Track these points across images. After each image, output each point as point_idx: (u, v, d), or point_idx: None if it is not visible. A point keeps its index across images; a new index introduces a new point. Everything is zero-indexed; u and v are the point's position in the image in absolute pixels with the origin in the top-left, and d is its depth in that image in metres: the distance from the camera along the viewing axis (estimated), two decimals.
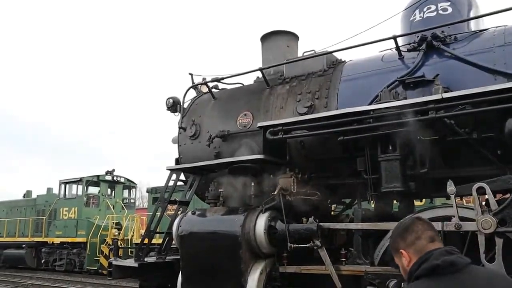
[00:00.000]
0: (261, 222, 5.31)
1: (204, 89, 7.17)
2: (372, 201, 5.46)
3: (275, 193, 5.39)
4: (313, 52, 6.06)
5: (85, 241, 18.93)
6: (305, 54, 6.17)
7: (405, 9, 5.74)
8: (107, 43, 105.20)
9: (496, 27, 5.10)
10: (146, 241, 6.70)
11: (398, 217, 5.04)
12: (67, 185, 20.81)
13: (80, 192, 20.43)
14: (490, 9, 5.10)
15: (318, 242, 5.02)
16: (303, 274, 5.25)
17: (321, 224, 5.08)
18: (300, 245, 5.09)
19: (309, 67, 5.97)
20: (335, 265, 5.00)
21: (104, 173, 21.29)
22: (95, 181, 20.92)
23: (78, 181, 20.48)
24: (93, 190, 21.19)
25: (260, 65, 6.70)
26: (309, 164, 5.68)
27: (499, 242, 4.22)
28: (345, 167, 5.41)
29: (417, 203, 7.56)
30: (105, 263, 17.91)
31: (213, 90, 7.01)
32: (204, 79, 7.18)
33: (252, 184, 5.67)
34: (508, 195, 4.32)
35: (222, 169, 6.13)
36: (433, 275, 1.91)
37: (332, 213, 6.84)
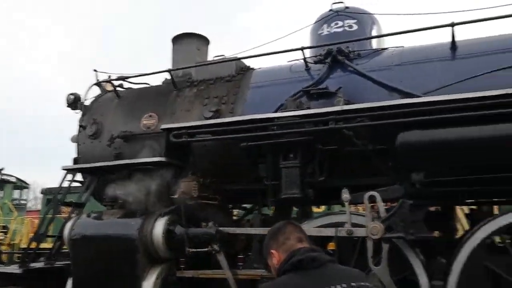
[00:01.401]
0: (160, 226, 5.23)
1: (109, 87, 6.89)
2: (272, 207, 5.59)
3: (176, 196, 5.32)
4: (223, 57, 6.10)
5: None
6: (215, 58, 6.20)
7: (315, 23, 5.98)
8: None
9: (395, 47, 5.50)
10: (33, 245, 6.25)
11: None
12: None
13: None
14: (391, 30, 5.54)
15: (216, 247, 5.03)
16: (201, 279, 5.21)
17: (220, 228, 5.10)
18: (198, 250, 5.07)
19: (218, 72, 5.99)
20: (232, 270, 5.04)
21: None
22: None
23: None
24: None
25: (169, 67, 6.59)
26: (212, 169, 5.67)
27: (385, 247, 4.51)
28: (248, 173, 5.47)
29: (316, 209, 7.89)
30: None
31: (118, 89, 6.75)
32: (109, 77, 6.90)
33: (153, 187, 5.54)
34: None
35: (122, 170, 5.92)
36: (298, 269, 2.07)
37: (234, 218, 6.89)
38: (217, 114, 5.58)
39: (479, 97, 4.25)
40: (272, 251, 2.26)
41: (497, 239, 5.55)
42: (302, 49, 5.42)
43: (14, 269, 5.94)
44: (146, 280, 5.14)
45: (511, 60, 4.61)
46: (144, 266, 5.20)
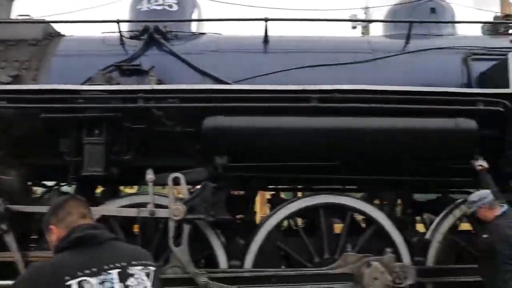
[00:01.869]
0: None
1: None
2: (73, 185, 5.27)
3: None
4: (28, 17, 5.49)
5: None
6: (19, 18, 5.54)
7: None
8: None
9: (213, 33, 5.60)
10: None
11: (100, 201, 5.02)
12: None
13: None
14: (211, 16, 5.61)
15: (4, 226, 4.57)
16: None
17: (9, 206, 4.64)
18: None
19: (21, 33, 5.35)
20: (23, 252, 4.65)
21: None
22: None
23: None
24: None
25: None
26: (5, 140, 5.09)
27: (186, 228, 4.62)
28: (48, 147, 5.04)
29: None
30: None
31: None
32: None
33: None
34: None
35: None
36: (76, 247, 1.97)
37: (34, 195, 6.32)
38: (16, 80, 5.01)
39: (280, 90, 4.59)
40: (51, 226, 2.09)
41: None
42: (118, 21, 5.18)
43: None
44: None
45: (315, 60, 5.08)
46: None
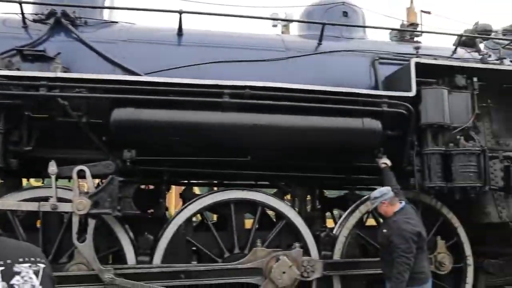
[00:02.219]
0: None
1: None
2: None
3: None
4: None
5: None
6: None
7: None
8: None
9: (125, 22, 5.40)
10: None
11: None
12: None
13: None
14: (126, 4, 5.41)
15: None
16: None
17: None
18: None
19: None
20: None
21: None
22: None
23: None
24: None
25: None
26: None
27: (91, 222, 4.44)
28: None
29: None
30: None
31: None
32: None
33: None
34: None
35: None
36: None
37: None
38: None
39: (192, 84, 4.54)
40: None
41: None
42: (20, 2, 4.83)
43: None
44: None
45: (228, 55, 5.08)
46: None
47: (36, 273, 1.92)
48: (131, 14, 5.18)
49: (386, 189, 4.68)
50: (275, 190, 5.58)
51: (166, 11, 5.08)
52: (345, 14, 5.99)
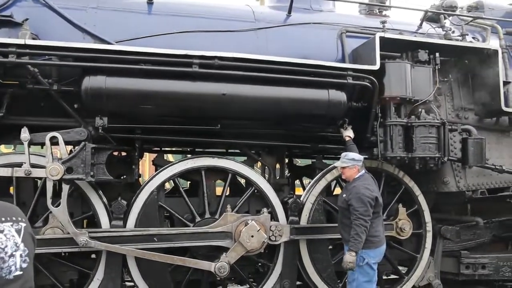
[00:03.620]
0: None
1: None
2: None
3: None
4: None
5: None
6: None
7: None
8: None
9: None
10: None
11: None
12: None
13: None
14: None
15: None
16: None
17: None
18: None
19: None
20: None
21: None
22: None
23: None
24: None
25: None
26: None
27: (65, 188, 4.57)
28: None
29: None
30: None
31: None
32: None
33: None
34: None
35: None
36: None
37: None
38: None
39: (162, 53, 4.60)
40: None
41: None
42: None
43: None
44: None
45: (199, 26, 5.14)
46: None
47: (18, 231, 2.05)
48: None
49: (360, 156, 4.93)
50: (245, 158, 5.76)
51: None
52: None
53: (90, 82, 4.44)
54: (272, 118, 5.17)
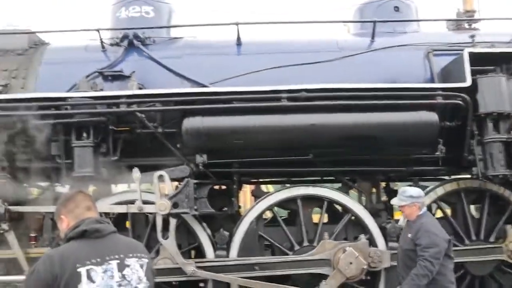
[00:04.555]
0: None
1: None
2: (66, 185, 5.55)
3: None
4: (15, 28, 5.76)
5: None
6: (6, 28, 5.81)
7: (114, 5, 6.02)
8: None
9: (189, 37, 5.87)
10: None
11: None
12: None
13: None
14: (188, 21, 5.89)
15: (5, 226, 4.88)
16: None
17: (9, 207, 4.94)
18: None
19: (8, 43, 5.64)
20: (24, 249, 4.96)
21: None
22: None
23: None
24: None
25: None
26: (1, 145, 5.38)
27: (172, 221, 4.94)
28: (40, 150, 5.29)
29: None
30: None
31: None
32: None
33: None
34: None
35: None
36: (82, 238, 2.26)
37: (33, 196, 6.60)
38: (6, 88, 5.30)
39: (252, 91, 4.90)
40: (62, 216, 2.40)
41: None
42: (98, 30, 5.47)
43: None
44: None
45: (285, 61, 5.36)
46: None
47: (141, 266, 2.31)
48: (192, 29, 5.52)
49: (421, 192, 4.52)
50: (340, 185, 5.81)
51: (224, 24, 5.49)
52: (396, 9, 6.04)
53: (189, 123, 4.85)
54: (362, 145, 5.19)
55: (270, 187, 8.16)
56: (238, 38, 5.55)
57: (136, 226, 5.38)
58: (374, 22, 5.58)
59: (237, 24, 5.45)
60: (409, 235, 4.30)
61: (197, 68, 5.37)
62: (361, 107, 4.94)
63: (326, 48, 5.56)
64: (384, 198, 6.39)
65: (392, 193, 6.78)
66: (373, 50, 5.55)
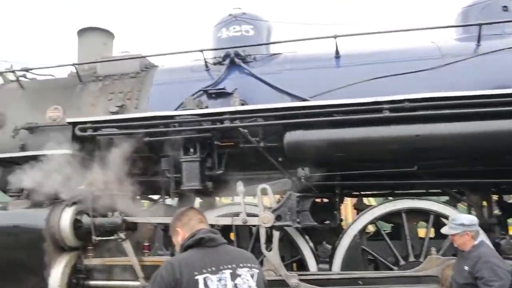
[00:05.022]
0: (67, 216, 5.34)
1: (11, 77, 6.79)
2: (175, 198, 5.91)
3: (83, 187, 5.45)
4: (128, 53, 6.29)
5: None
6: (120, 54, 6.37)
7: (215, 26, 6.35)
8: None
9: (288, 52, 6.00)
10: None
11: None
12: None
13: None
14: (286, 37, 6.03)
15: (122, 235, 5.26)
16: (109, 265, 5.43)
17: (125, 218, 5.33)
18: (105, 238, 5.29)
19: (123, 68, 6.18)
20: (138, 257, 5.30)
21: None
22: None
23: None
24: None
25: (75, 60, 6.64)
26: (117, 161, 5.84)
27: (275, 234, 5.01)
28: (152, 165, 5.73)
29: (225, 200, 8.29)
30: None
31: (21, 79, 6.68)
32: (11, 66, 6.79)
33: (58, 178, 5.61)
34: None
35: (27, 161, 5.93)
36: (198, 246, 2.43)
37: (144, 208, 7.09)
38: (122, 109, 5.79)
39: (353, 103, 4.87)
40: (178, 229, 2.63)
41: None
42: (202, 51, 5.79)
43: None
44: (54, 268, 5.24)
45: (385, 71, 5.28)
46: (52, 255, 5.27)
47: (252, 276, 2.42)
48: (291, 44, 5.65)
49: (475, 219, 4.13)
50: (447, 197, 5.55)
51: (322, 38, 5.53)
52: (505, 8, 5.67)
53: (291, 136, 4.94)
54: (473, 155, 4.92)
55: (372, 200, 8.02)
56: (337, 51, 5.57)
57: (240, 238, 5.56)
58: (480, 24, 5.28)
59: (335, 37, 5.47)
60: (466, 268, 3.95)
61: (297, 82, 5.47)
62: (469, 116, 4.68)
63: (427, 55, 5.37)
64: (496, 211, 6.00)
65: (507, 207, 6.38)
66: (480, 55, 5.24)
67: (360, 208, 5.54)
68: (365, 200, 6.20)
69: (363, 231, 5.33)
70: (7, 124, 6.32)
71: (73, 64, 6.29)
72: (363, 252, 5.30)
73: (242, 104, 5.28)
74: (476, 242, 4.01)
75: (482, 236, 4.28)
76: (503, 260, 4.00)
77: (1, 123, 6.34)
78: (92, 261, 5.44)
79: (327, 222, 5.67)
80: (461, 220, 4.06)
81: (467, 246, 4.03)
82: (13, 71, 6.71)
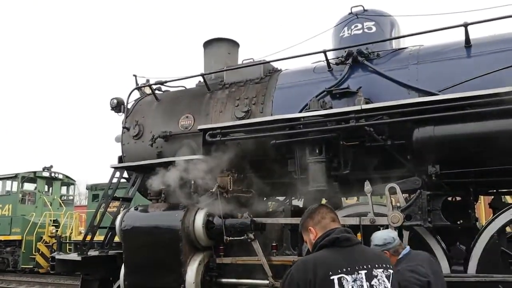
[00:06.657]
0: (200, 217, 5.67)
1: (148, 90, 7.47)
2: (301, 199, 6.02)
3: (213, 190, 5.79)
4: (251, 60, 6.56)
5: (20, 239, 18.32)
6: (244, 62, 6.66)
7: (335, 26, 6.36)
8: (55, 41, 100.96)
9: (413, 46, 5.80)
10: (89, 236, 6.91)
11: None
12: (1, 181, 20.06)
13: (15, 189, 19.69)
14: (409, 30, 5.84)
15: (251, 235, 5.48)
16: (239, 264, 5.67)
17: (254, 219, 5.54)
18: (235, 238, 5.54)
19: (247, 74, 6.46)
20: (267, 256, 5.46)
21: (41, 169, 20.61)
22: (32, 177, 20.15)
23: (13, 177, 19.75)
24: (29, 186, 20.46)
25: (202, 70, 7.10)
26: (245, 164, 6.13)
27: (405, 234, 4.88)
28: (278, 167, 5.90)
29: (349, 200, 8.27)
30: (42, 261, 17.56)
31: (156, 92, 7.31)
32: (147, 81, 7.48)
33: (192, 182, 6.02)
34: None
35: (164, 167, 6.45)
36: (333, 246, 2.43)
37: (270, 209, 7.32)
38: (248, 114, 6.06)
39: (486, 94, 4.53)
40: (310, 227, 2.61)
41: None
42: (324, 51, 5.82)
43: (74, 257, 6.60)
44: (189, 266, 5.63)
45: None
46: (187, 254, 5.65)
47: (387, 277, 2.39)
48: (418, 37, 5.43)
49: (388, 236, 3.88)
50: None
51: (451, 28, 5.23)
52: None
53: (420, 133, 4.75)
54: None
55: (509, 199, 7.43)
56: (467, 40, 5.24)
57: (366, 239, 5.48)
58: None
59: (465, 25, 5.15)
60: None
61: (425, 77, 5.26)
62: None
63: None
64: None
65: None
66: None
67: (496, 207, 5.14)
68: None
69: (502, 231, 4.96)
70: (145, 134, 6.96)
71: (201, 74, 6.73)
72: (503, 254, 4.92)
73: (367, 103, 5.21)
74: (399, 257, 3.84)
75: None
76: (420, 272, 3.58)
77: (140, 133, 7.00)
78: (224, 260, 5.72)
79: (461, 221, 5.38)
80: (375, 242, 3.91)
81: (393, 262, 3.73)
82: (149, 85, 7.38)
